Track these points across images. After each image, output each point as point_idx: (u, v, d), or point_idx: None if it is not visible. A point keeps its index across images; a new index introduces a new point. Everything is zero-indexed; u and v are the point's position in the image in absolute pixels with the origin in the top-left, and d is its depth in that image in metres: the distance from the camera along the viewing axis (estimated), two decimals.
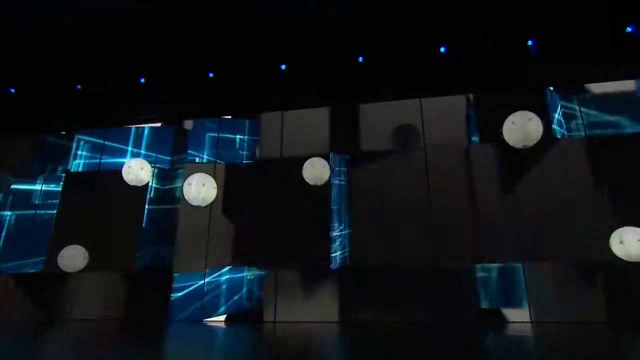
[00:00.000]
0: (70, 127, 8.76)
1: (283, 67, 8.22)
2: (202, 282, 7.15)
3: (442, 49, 7.54)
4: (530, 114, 5.16)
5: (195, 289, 7.18)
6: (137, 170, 6.69)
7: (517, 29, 7.19)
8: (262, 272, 6.98)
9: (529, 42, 7.22)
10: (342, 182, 7.36)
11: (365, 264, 6.70)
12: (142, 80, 8.60)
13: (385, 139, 7.35)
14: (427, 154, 7.01)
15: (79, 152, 8.58)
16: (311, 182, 6.58)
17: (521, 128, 5.14)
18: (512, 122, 5.19)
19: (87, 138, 8.64)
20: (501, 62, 7.31)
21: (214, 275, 7.22)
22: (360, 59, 7.89)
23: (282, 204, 7.32)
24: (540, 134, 5.16)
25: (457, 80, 7.44)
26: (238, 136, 8.16)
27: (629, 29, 6.75)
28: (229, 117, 8.31)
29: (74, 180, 8.29)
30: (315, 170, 6.48)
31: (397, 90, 7.72)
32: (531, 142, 5.20)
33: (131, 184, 6.82)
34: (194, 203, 6.23)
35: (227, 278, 7.20)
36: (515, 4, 6.67)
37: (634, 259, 5.07)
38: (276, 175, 7.56)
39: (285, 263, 6.92)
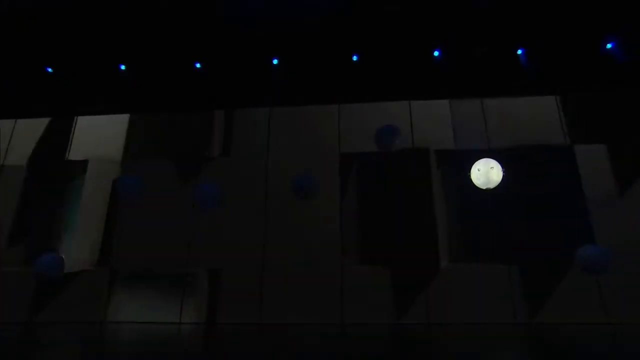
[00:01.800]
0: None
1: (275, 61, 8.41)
2: None
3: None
4: (493, 162, 5.86)
5: None
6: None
7: None
8: None
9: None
10: None
11: None
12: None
13: None
14: None
15: None
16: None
17: (485, 174, 5.87)
18: (478, 169, 5.90)
19: None
20: None
21: None
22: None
23: None
24: (500, 179, 5.90)
25: None
26: None
27: (608, 45, 6.89)
28: None
29: None
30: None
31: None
32: (492, 185, 5.97)
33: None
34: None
35: None
36: None
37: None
38: None
39: None
